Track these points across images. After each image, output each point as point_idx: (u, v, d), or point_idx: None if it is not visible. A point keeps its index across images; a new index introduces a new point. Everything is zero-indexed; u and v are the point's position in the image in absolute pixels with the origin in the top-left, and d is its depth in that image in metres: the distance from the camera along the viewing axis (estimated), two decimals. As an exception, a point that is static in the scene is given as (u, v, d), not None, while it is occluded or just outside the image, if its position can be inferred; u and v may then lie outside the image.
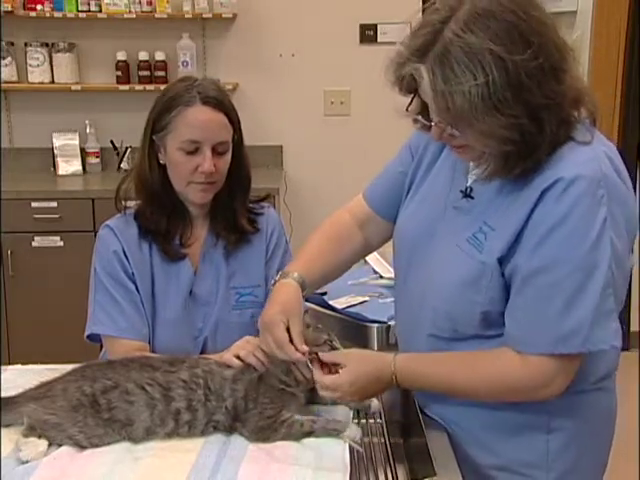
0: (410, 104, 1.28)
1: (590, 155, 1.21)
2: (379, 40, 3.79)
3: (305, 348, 1.33)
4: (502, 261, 1.25)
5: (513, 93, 1.13)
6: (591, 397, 1.34)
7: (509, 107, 1.14)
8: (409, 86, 1.23)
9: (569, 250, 1.18)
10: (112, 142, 3.87)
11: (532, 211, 1.21)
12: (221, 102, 1.63)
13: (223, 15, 3.69)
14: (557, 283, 1.20)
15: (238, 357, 1.40)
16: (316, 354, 1.35)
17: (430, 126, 1.25)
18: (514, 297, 1.25)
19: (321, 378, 1.33)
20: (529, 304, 1.23)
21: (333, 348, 1.38)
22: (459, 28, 1.13)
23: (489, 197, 1.29)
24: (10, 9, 3.57)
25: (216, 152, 1.63)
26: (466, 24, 1.13)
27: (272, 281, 1.47)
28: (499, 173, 1.23)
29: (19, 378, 1.47)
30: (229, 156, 1.67)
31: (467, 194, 1.34)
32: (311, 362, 1.34)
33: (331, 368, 1.34)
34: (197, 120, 1.60)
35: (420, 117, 1.27)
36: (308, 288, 1.45)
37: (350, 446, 1.28)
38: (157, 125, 1.64)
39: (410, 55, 1.18)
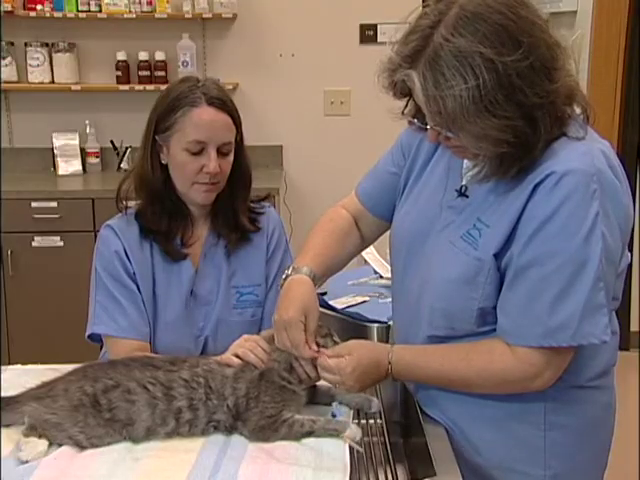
0: (405, 107, 1.29)
1: (583, 150, 1.21)
2: (379, 40, 3.79)
3: (315, 348, 1.35)
4: (497, 256, 1.25)
5: (505, 94, 1.13)
6: (588, 394, 1.34)
7: (502, 109, 1.14)
8: (403, 90, 1.23)
9: (560, 243, 1.19)
10: (112, 142, 3.87)
11: (525, 205, 1.22)
12: (225, 103, 1.64)
13: (223, 15, 3.69)
14: (547, 276, 1.20)
15: (237, 356, 1.40)
16: (318, 346, 1.36)
17: (426, 128, 1.25)
18: (506, 290, 1.26)
19: (324, 361, 1.34)
20: (520, 297, 1.23)
21: (334, 342, 1.39)
22: (448, 32, 1.14)
23: (483, 194, 1.30)
24: (10, 9, 3.58)
25: (220, 153, 1.63)
26: (455, 28, 1.14)
27: (283, 276, 1.47)
28: (495, 175, 1.23)
29: (19, 378, 1.47)
30: (232, 157, 1.67)
31: (462, 193, 1.34)
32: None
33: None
34: (203, 120, 1.60)
35: (415, 120, 1.27)
36: (316, 284, 1.45)
37: (350, 446, 1.28)
38: (160, 125, 1.64)
39: (401, 61, 1.19)
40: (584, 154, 1.20)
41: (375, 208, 1.55)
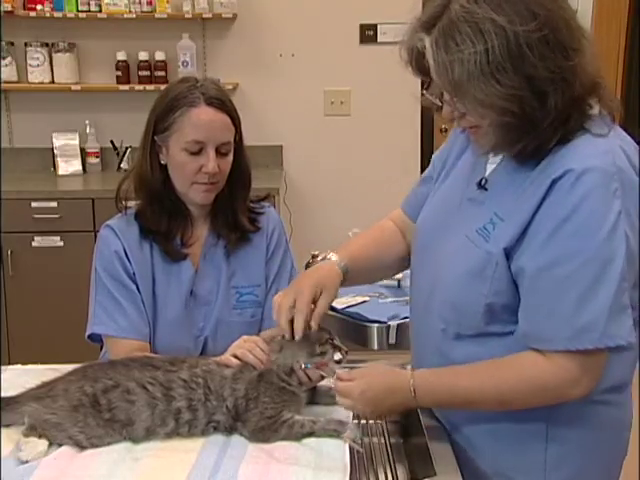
0: (428, 85, 1.27)
1: (604, 147, 1.19)
2: (379, 40, 3.79)
3: (315, 326, 1.34)
4: (509, 252, 1.23)
5: (513, 64, 1.13)
6: (595, 409, 1.29)
7: (508, 77, 1.13)
8: (418, 62, 1.23)
9: (581, 242, 1.16)
10: (112, 142, 3.87)
11: (541, 202, 1.19)
12: (224, 103, 1.64)
13: (223, 15, 3.69)
14: (570, 276, 1.17)
15: (236, 356, 1.40)
16: (320, 354, 1.35)
17: (441, 105, 1.24)
18: (527, 293, 1.22)
19: (335, 384, 1.32)
20: (543, 299, 1.20)
21: (334, 347, 1.38)
22: (465, 0, 1.15)
23: (502, 188, 1.28)
24: (10, 9, 3.57)
25: (219, 153, 1.63)
26: None
27: (312, 260, 1.46)
28: (501, 146, 1.22)
29: (19, 378, 1.47)
30: (231, 157, 1.67)
31: (482, 185, 1.32)
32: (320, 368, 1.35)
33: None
34: (201, 120, 1.60)
35: (434, 98, 1.26)
36: (348, 279, 1.45)
37: (350, 446, 1.28)
38: (159, 126, 1.64)
39: (419, 27, 1.20)
40: (605, 152, 1.18)
41: (417, 216, 1.51)
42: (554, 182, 1.18)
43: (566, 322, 1.18)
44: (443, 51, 1.15)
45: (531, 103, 1.15)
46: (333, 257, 1.44)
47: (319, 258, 1.45)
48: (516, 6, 1.13)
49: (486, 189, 1.32)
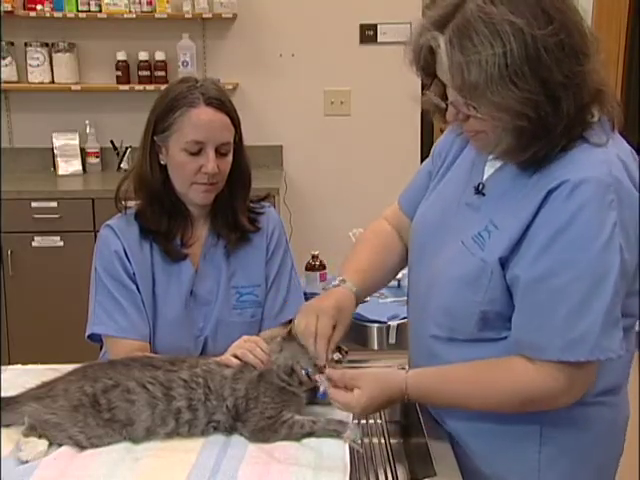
0: (430, 85, 1.26)
1: (601, 158, 1.18)
2: (379, 40, 3.79)
3: (330, 357, 1.33)
4: (504, 262, 1.22)
5: (530, 67, 1.12)
6: (589, 411, 1.29)
7: (525, 81, 1.12)
8: (426, 61, 1.21)
9: (576, 253, 1.15)
10: (112, 142, 3.87)
11: (537, 212, 1.19)
12: (223, 103, 1.64)
13: (223, 15, 3.69)
14: (564, 288, 1.16)
15: (236, 356, 1.40)
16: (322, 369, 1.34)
17: (446, 111, 1.23)
18: (521, 303, 1.22)
19: (335, 395, 1.31)
20: (536, 310, 1.19)
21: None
22: (481, 0, 1.13)
23: (499, 195, 1.27)
24: (10, 9, 3.58)
25: (219, 153, 1.63)
26: None
27: (331, 284, 1.46)
28: (512, 152, 1.21)
29: (19, 378, 1.47)
30: (231, 157, 1.67)
31: (479, 190, 1.31)
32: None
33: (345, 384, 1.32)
34: (201, 121, 1.60)
35: (438, 98, 1.25)
36: (359, 301, 1.46)
37: (350, 446, 1.28)
38: (159, 126, 1.64)
39: (430, 25, 1.18)
40: (602, 162, 1.17)
41: (414, 213, 1.50)
42: (550, 192, 1.17)
43: (559, 333, 1.17)
44: (458, 51, 1.14)
45: (545, 108, 1.14)
46: (347, 282, 1.44)
47: (335, 281, 1.45)
48: (533, 8, 1.12)
49: (483, 194, 1.31)
